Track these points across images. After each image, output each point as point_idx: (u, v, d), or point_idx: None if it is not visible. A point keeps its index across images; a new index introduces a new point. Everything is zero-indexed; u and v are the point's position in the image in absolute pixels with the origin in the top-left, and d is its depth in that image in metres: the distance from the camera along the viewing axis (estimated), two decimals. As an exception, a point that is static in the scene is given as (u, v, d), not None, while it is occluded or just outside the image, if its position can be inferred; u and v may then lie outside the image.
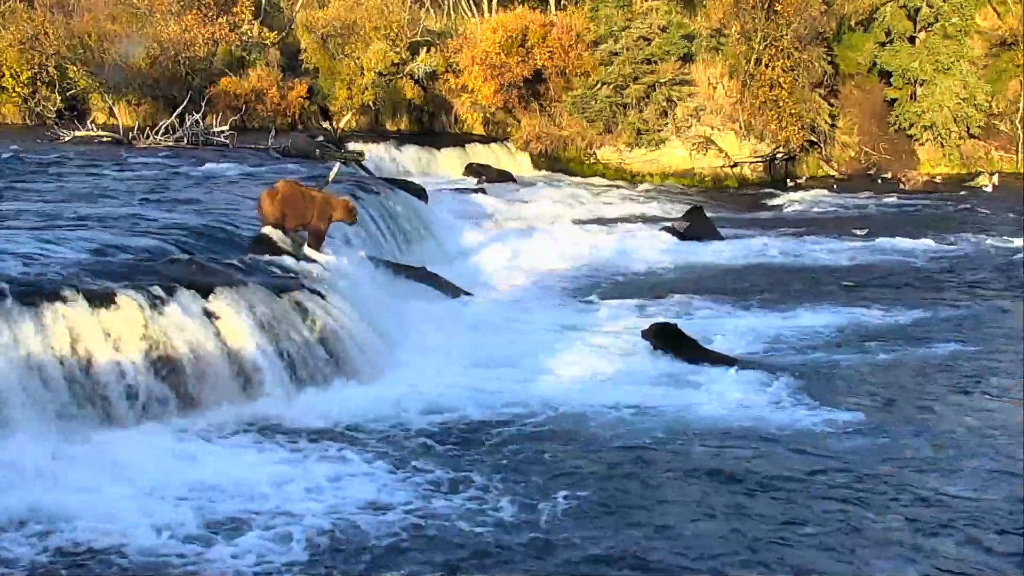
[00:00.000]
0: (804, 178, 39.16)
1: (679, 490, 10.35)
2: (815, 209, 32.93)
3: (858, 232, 27.53)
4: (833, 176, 39.78)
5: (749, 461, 11.08)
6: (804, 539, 9.24)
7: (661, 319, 16.32)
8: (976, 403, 13.48)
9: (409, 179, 29.65)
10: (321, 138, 32.90)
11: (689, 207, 28.98)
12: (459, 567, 8.64)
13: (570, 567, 8.70)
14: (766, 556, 8.90)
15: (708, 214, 28.26)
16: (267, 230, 15.77)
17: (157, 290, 12.38)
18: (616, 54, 38.04)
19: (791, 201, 34.13)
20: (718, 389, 13.57)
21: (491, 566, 8.67)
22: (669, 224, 27.61)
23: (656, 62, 37.75)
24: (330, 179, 19.66)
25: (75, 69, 38.34)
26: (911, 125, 40.49)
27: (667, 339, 15.01)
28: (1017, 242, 25.83)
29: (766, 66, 37.24)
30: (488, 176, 35.66)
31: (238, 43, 40.67)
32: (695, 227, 26.62)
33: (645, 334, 15.23)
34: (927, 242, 26.13)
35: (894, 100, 41.13)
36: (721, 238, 26.53)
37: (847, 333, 16.88)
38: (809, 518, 9.67)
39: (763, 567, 8.71)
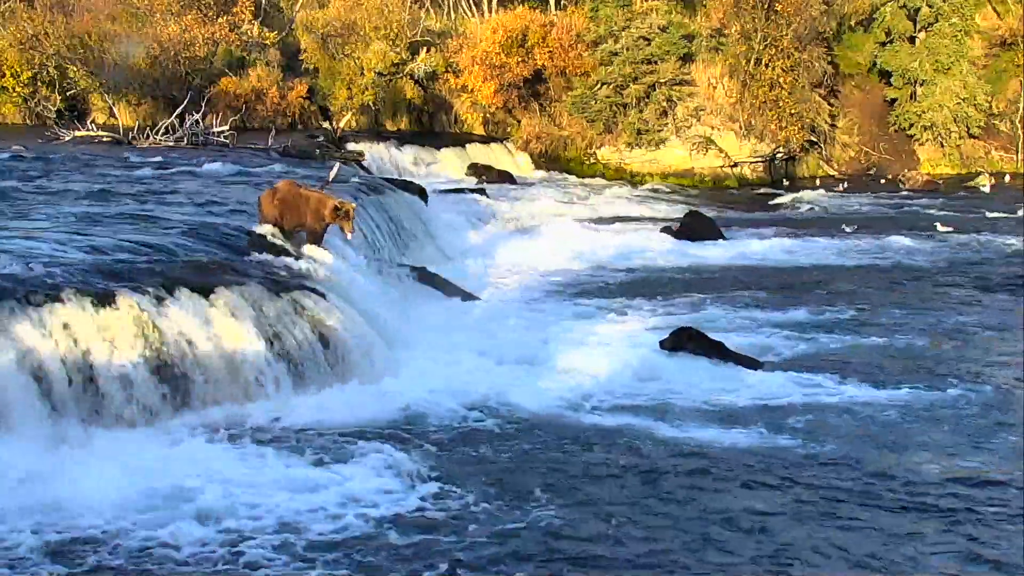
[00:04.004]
0: (805, 178, 39.16)
1: (698, 496, 10.25)
2: (815, 209, 32.92)
3: (847, 229, 27.62)
4: (833, 176, 39.79)
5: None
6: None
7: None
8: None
9: (409, 179, 29.63)
10: (321, 138, 32.89)
11: (688, 211, 28.94)
12: (459, 568, 8.62)
13: (574, 570, 8.69)
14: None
15: (709, 214, 28.27)
16: (266, 230, 15.78)
17: (157, 290, 12.38)
18: (616, 54, 38.04)
19: (791, 201, 34.13)
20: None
21: (491, 568, 8.66)
22: (669, 224, 27.62)
23: (656, 62, 37.76)
24: (330, 179, 19.63)
25: (75, 69, 38.32)
26: (911, 125, 40.53)
27: (690, 341, 14.97)
28: (1016, 240, 25.90)
29: (766, 66, 37.24)
30: (488, 176, 35.66)
31: (238, 43, 40.64)
32: (697, 227, 26.61)
33: (665, 343, 15.09)
34: (927, 242, 26.15)
35: (894, 100, 41.17)
36: (724, 237, 26.52)
37: (853, 331, 16.91)
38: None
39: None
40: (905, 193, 36.45)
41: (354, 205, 16.25)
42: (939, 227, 27.93)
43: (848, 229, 27.63)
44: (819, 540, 9.18)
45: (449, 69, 40.36)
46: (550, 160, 39.56)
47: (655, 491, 10.29)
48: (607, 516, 9.62)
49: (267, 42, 41.38)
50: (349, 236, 15.93)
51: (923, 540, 9.26)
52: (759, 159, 38.55)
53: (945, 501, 10.09)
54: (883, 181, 38.77)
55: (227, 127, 33.04)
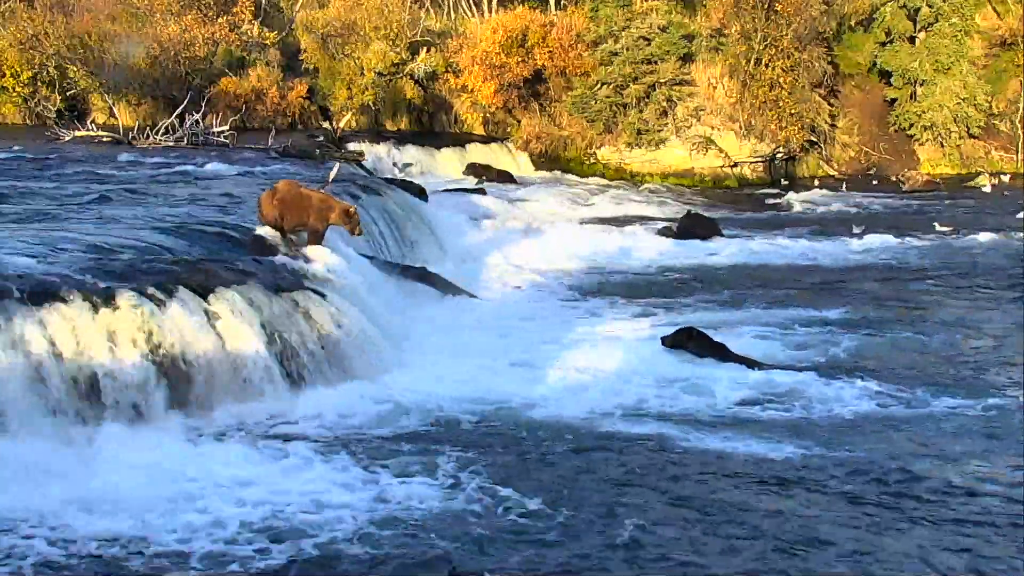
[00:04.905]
0: (805, 178, 39.13)
1: (701, 493, 10.25)
2: (815, 209, 32.89)
3: (856, 230, 27.60)
4: (833, 176, 39.76)
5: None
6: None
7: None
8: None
9: (409, 179, 29.62)
10: (321, 138, 32.88)
11: (688, 211, 28.92)
12: (457, 568, 8.62)
13: (569, 570, 8.68)
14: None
15: (709, 214, 28.23)
16: (266, 230, 15.79)
17: (157, 290, 12.38)
18: (616, 54, 38.02)
19: (791, 201, 34.09)
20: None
21: (491, 567, 8.65)
22: (669, 224, 27.62)
23: (656, 62, 37.74)
24: (330, 179, 19.64)
25: (75, 69, 38.31)
26: (911, 125, 40.48)
27: (691, 341, 14.96)
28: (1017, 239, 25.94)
29: (766, 66, 37.22)
30: (488, 176, 35.65)
31: (238, 43, 40.63)
32: (697, 227, 26.62)
33: (667, 340, 15.09)
34: (928, 241, 26.15)
35: (894, 100, 41.13)
36: (723, 236, 26.52)
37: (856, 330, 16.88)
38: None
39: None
40: (905, 193, 36.42)
41: (355, 207, 16.29)
42: (938, 226, 27.93)
43: (857, 229, 27.55)
44: (850, 546, 9.13)
45: (449, 69, 40.35)
46: (550, 160, 39.54)
47: (678, 496, 10.20)
48: (629, 521, 9.57)
49: (267, 42, 41.37)
50: (356, 235, 16.03)
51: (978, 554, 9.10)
52: (759, 159, 38.53)
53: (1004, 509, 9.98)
54: (876, 182, 38.65)
55: (227, 127, 33.03)
